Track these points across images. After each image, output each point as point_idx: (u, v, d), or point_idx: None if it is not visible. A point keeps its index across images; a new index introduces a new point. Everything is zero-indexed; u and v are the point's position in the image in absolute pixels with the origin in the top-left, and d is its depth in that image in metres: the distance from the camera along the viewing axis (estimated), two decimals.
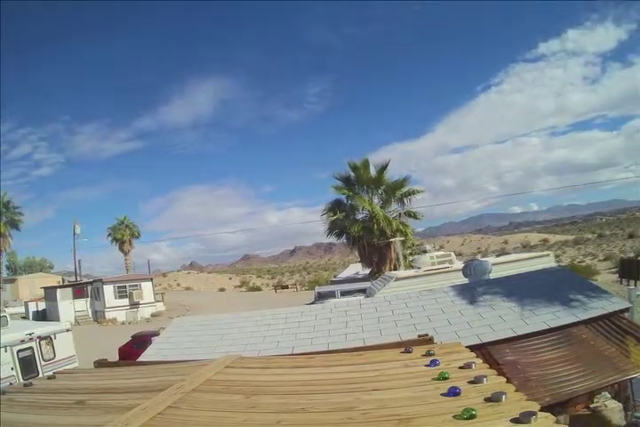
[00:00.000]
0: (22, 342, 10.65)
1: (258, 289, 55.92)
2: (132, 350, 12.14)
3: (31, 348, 10.80)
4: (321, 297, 18.89)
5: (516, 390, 1.63)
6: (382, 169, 20.31)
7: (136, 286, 29.30)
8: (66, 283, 34.27)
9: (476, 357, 2.25)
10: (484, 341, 5.15)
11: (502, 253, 22.91)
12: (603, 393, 5.74)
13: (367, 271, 22.11)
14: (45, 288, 30.74)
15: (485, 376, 1.77)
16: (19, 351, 10.44)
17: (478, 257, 22.68)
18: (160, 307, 31.06)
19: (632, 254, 40.09)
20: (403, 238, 19.26)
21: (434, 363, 2.11)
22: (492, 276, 7.97)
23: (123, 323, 27.12)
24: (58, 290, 28.41)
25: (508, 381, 1.94)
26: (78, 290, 28.98)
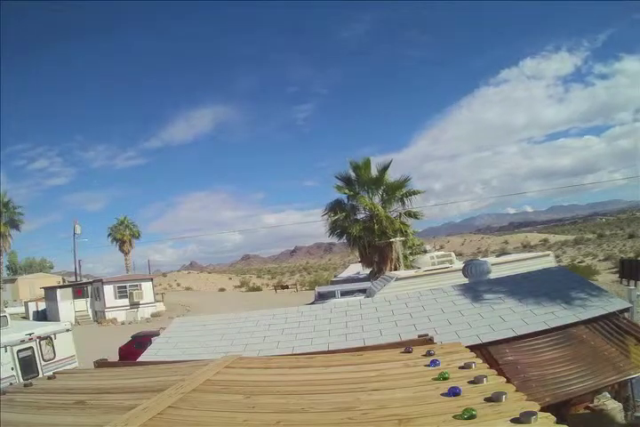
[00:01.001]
0: (22, 342, 10.65)
1: (258, 289, 55.86)
2: (132, 350, 12.14)
3: (31, 348, 10.80)
4: (321, 297, 18.90)
5: (516, 390, 1.63)
6: (384, 169, 20.29)
7: (136, 286, 29.29)
8: (66, 283, 34.29)
9: (476, 357, 2.25)
10: (484, 341, 5.14)
11: (502, 253, 22.91)
12: (603, 393, 5.73)
13: (367, 271, 22.10)
14: (45, 288, 30.75)
15: (485, 376, 1.77)
16: (19, 351, 10.44)
17: (478, 257, 22.68)
18: (160, 307, 31.05)
19: (632, 254, 40.11)
20: (403, 238, 19.24)
21: (434, 363, 2.11)
22: (492, 276, 7.97)
23: (123, 323, 27.12)
24: (58, 290, 28.41)
25: (508, 381, 1.94)
26: (79, 290, 28.98)
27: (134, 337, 15.09)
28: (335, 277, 32.60)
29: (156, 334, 12.32)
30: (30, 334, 10.93)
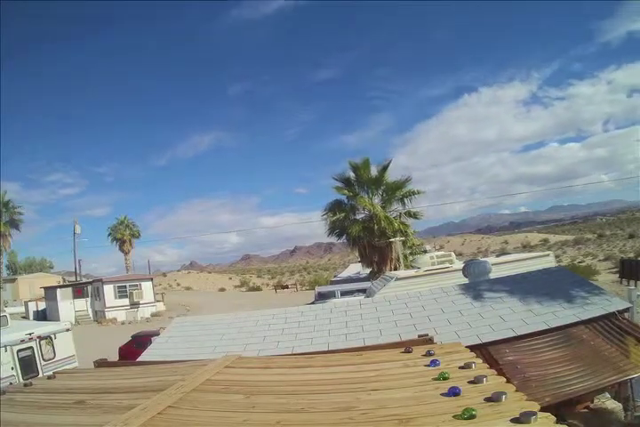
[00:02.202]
0: (22, 341, 10.64)
1: (258, 289, 55.87)
2: (132, 350, 12.14)
3: (31, 348, 10.79)
4: (321, 297, 18.89)
5: (516, 390, 1.63)
6: (383, 169, 20.28)
7: (136, 285, 29.26)
8: (66, 283, 34.27)
9: (476, 357, 2.25)
10: (483, 341, 5.14)
11: (502, 253, 22.92)
12: (603, 393, 5.73)
13: (367, 271, 22.10)
14: (45, 288, 30.70)
15: (485, 376, 1.77)
16: (19, 351, 10.43)
17: (478, 257, 22.67)
18: (160, 307, 31.02)
19: (632, 254, 40.07)
20: (403, 238, 19.23)
21: (434, 363, 2.11)
22: (492, 276, 7.97)
23: (123, 323, 27.10)
24: (58, 290, 28.38)
25: (508, 381, 1.95)
26: (79, 290, 28.96)
27: (134, 337, 15.07)
28: (335, 276, 32.59)
29: (156, 333, 12.32)
30: (30, 334, 10.91)
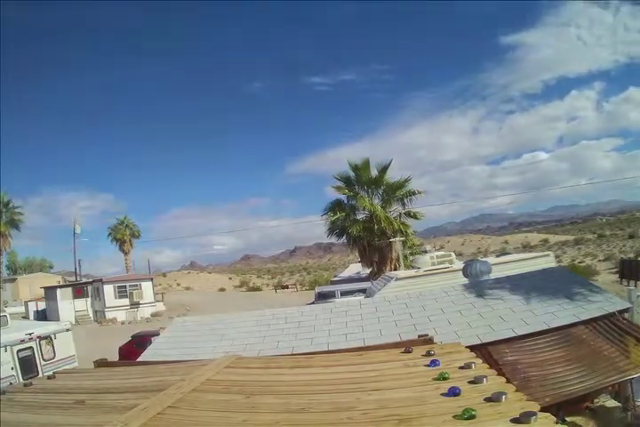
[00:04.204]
0: (22, 341, 10.64)
1: (258, 289, 55.84)
2: (132, 350, 12.14)
3: (31, 348, 10.79)
4: (321, 297, 18.88)
5: (516, 390, 1.63)
6: (384, 169, 20.26)
7: (136, 285, 29.26)
8: (66, 283, 34.28)
9: (476, 357, 2.25)
10: (483, 341, 5.15)
11: (502, 253, 22.90)
12: (603, 393, 5.73)
13: (367, 271, 22.09)
14: (45, 288, 30.70)
15: (485, 376, 1.77)
16: (19, 351, 10.43)
17: (478, 257, 22.66)
18: (160, 307, 31.02)
19: (632, 255, 40.05)
20: (403, 238, 19.22)
21: (434, 363, 2.11)
22: (492, 276, 7.97)
23: (123, 323, 27.10)
24: (58, 290, 28.39)
25: (508, 381, 1.95)
26: (79, 290, 28.97)
27: (134, 337, 15.07)
28: (335, 277, 32.58)
29: (156, 333, 12.32)
30: (30, 334, 10.91)
